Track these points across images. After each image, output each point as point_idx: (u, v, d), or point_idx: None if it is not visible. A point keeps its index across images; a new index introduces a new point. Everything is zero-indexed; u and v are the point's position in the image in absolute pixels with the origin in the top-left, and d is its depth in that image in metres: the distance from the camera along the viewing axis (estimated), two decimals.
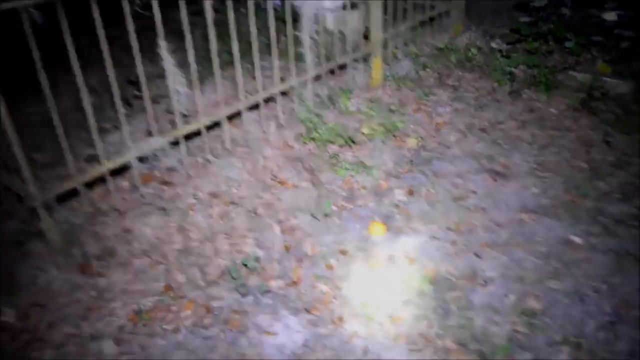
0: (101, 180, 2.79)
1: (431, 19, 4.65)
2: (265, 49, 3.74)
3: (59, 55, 2.61)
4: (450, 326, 2.30)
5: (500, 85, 4.13)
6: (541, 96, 3.97)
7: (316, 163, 3.29)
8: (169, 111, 3.64)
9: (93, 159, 3.20)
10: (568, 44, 4.25)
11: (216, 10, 3.06)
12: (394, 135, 3.51)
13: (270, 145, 3.44)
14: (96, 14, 2.39)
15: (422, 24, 4.57)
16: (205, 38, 2.99)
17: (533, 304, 2.40)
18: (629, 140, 3.47)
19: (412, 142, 3.48)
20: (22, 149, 2.41)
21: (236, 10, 3.04)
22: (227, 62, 3.68)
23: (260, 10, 4.42)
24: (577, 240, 2.73)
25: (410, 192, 3.06)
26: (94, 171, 2.62)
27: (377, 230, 2.78)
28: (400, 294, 2.45)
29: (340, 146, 3.39)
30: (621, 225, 2.83)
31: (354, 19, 4.17)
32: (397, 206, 2.97)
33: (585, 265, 2.59)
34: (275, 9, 3.35)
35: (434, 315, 2.35)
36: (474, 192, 3.06)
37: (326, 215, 2.85)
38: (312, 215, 2.87)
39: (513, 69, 4.14)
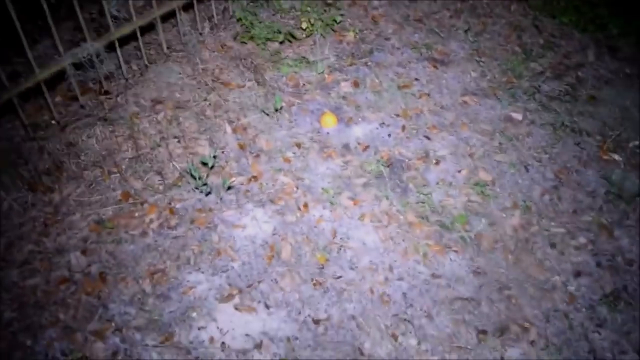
0: (36, 92, 2.60)
1: None
2: None
3: None
4: (410, 203, 2.42)
5: None
6: None
7: (258, 62, 3.21)
8: (93, 19, 3.40)
9: (17, 74, 2.97)
10: None
11: None
12: (332, 30, 3.47)
13: (207, 47, 3.31)
14: None
15: None
16: None
17: (483, 176, 2.55)
18: (556, 23, 3.62)
19: (351, 36, 3.45)
20: None
21: None
22: None
23: None
24: (517, 116, 2.88)
25: (356, 84, 3.08)
26: (29, 81, 2.44)
27: (328, 121, 2.80)
28: (358, 178, 2.53)
29: (280, 43, 3.32)
30: (555, 101, 3.01)
31: None
32: (344, 98, 2.99)
33: (527, 139, 2.76)
34: None
35: (394, 194, 2.46)
36: (417, 80, 3.13)
37: (276, 110, 2.83)
38: (263, 112, 2.84)
39: None
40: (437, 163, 2.62)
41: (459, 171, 2.58)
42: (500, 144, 2.73)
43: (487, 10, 3.78)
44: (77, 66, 2.66)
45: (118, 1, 2.79)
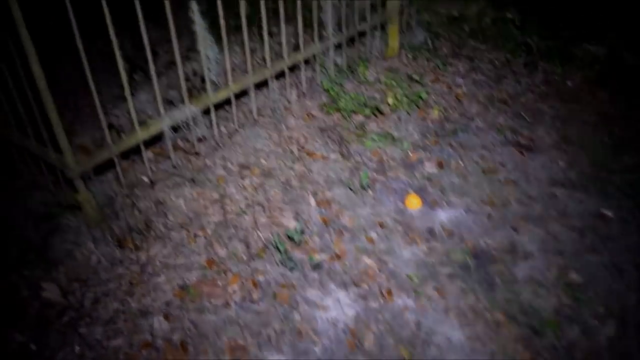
0: (133, 149, 2.69)
1: None
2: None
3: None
4: (497, 299, 2.34)
5: (515, 56, 4.12)
6: (556, 68, 3.98)
7: (343, 133, 3.25)
8: (187, 78, 3.53)
9: (111, 128, 3.10)
10: (580, 15, 4.25)
11: None
12: (417, 106, 3.49)
13: (293, 114, 3.38)
14: None
15: None
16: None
17: (574, 277, 2.45)
18: None
19: (434, 114, 3.46)
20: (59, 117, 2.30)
21: None
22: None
23: None
24: (609, 214, 2.78)
25: (440, 165, 3.06)
26: (129, 141, 2.53)
27: (413, 202, 2.78)
28: (443, 267, 2.47)
29: (366, 117, 3.35)
30: None
31: None
32: (428, 179, 2.97)
33: (621, 239, 2.65)
34: None
35: (480, 288, 2.38)
36: (503, 165, 3.08)
37: (362, 187, 2.83)
38: (347, 187, 2.84)
39: (527, 40, 4.13)
40: (525, 258, 2.53)
41: (549, 269, 2.49)
42: (592, 242, 2.63)
43: (573, 96, 3.73)
44: (173, 127, 2.74)
45: (217, 66, 2.88)
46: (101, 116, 2.38)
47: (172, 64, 3.59)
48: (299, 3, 3.16)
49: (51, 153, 2.39)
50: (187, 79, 3.50)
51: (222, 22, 2.70)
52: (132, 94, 3.38)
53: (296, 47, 3.70)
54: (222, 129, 3.19)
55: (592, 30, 4.30)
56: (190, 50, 3.55)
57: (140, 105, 3.33)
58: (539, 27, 4.21)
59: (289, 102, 3.39)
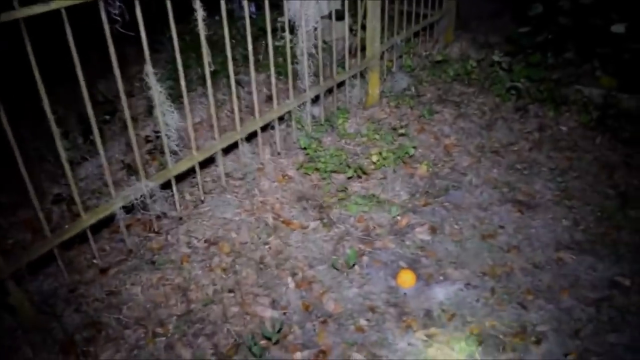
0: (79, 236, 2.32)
1: (422, 28, 4.34)
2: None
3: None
4: None
5: (504, 100, 3.87)
6: (549, 112, 3.72)
7: (322, 198, 2.91)
8: (149, 139, 3.19)
9: (61, 200, 2.73)
10: (568, 55, 4.03)
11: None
12: (403, 162, 3.18)
13: (267, 176, 3.04)
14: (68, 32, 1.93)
15: (414, 34, 4.26)
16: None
17: None
18: None
19: (423, 169, 3.15)
20: None
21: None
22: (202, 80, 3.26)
23: (234, 19, 4.01)
24: (625, 282, 2.47)
25: (433, 230, 2.73)
26: (72, 230, 2.16)
27: (406, 280, 2.43)
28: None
29: (348, 177, 3.03)
30: None
31: (339, 29, 3.75)
32: (421, 248, 2.64)
33: None
34: (250, 16, 2.92)
35: None
36: (502, 227, 2.77)
37: (347, 263, 2.48)
38: (331, 264, 2.49)
39: (516, 83, 3.88)
40: (538, 342, 2.19)
41: (565, 355, 2.15)
42: (610, 318, 2.30)
43: (570, 143, 3.46)
44: (128, 208, 2.38)
45: (178, 134, 2.54)
46: (36, 204, 2.01)
47: (134, 120, 3.27)
48: (270, 52, 2.86)
49: None
50: (149, 141, 3.17)
51: (182, 84, 2.38)
52: (87, 159, 3.05)
53: (269, 99, 3.39)
54: (187, 196, 2.84)
55: (584, 70, 4.08)
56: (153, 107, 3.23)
57: (97, 171, 2.98)
58: (528, 69, 3.97)
59: (261, 163, 3.05)
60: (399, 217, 2.80)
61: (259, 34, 3.72)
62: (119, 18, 2.05)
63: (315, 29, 3.06)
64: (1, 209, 2.76)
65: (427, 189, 3.02)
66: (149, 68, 2.24)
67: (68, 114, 3.18)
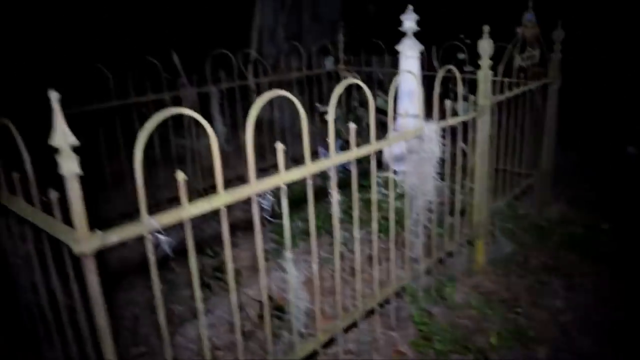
0: None
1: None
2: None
3: None
4: None
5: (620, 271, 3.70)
6: None
7: None
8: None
9: None
10: None
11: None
12: (519, 343, 3.01)
13: (379, 352, 2.94)
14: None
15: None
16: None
17: None
18: None
19: (542, 352, 2.97)
20: None
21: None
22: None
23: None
24: None
25: None
26: None
27: None
28: None
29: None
30: None
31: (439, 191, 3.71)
32: None
33: None
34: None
35: None
36: None
37: None
38: None
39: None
40: None
41: None
42: None
43: None
44: None
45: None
46: None
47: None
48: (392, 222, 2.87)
49: None
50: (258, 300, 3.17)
51: (314, 267, 2.41)
52: (194, 314, 3.06)
53: (368, 259, 3.36)
54: None
55: None
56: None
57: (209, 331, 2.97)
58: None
59: (374, 339, 2.97)
60: None
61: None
62: (268, 208, 2.16)
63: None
64: None
65: None
66: (288, 253, 2.29)
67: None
